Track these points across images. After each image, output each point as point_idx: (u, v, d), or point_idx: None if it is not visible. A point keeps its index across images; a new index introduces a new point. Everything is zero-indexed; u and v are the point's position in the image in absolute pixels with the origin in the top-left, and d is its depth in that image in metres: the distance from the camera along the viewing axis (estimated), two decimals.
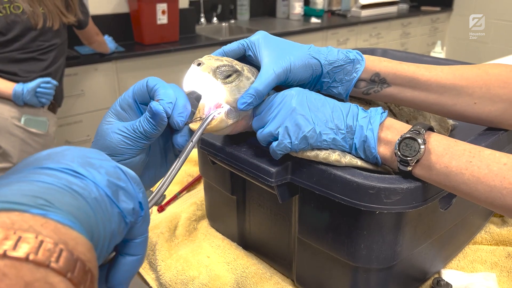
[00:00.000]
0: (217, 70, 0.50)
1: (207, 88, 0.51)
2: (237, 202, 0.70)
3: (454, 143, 0.47)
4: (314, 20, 3.37)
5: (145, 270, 0.75)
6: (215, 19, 3.25)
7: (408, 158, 0.47)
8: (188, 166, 1.00)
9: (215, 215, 0.78)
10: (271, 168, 0.53)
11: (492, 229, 0.76)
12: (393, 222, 0.52)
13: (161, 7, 2.49)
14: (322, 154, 0.50)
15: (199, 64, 0.50)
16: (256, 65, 0.56)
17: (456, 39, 4.27)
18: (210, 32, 3.07)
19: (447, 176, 0.46)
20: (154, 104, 0.44)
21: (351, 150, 0.51)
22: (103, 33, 2.37)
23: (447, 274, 0.67)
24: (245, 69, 0.53)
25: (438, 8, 4.11)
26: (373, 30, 3.66)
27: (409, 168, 0.48)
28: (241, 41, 0.57)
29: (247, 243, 0.73)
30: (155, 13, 2.48)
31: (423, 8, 4.16)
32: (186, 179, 0.95)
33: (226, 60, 0.52)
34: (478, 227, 0.76)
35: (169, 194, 0.90)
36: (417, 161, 0.47)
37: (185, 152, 0.46)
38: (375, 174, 0.50)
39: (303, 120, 0.49)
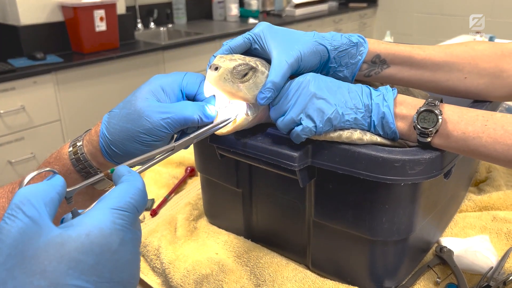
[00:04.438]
0: (234, 71, 0.51)
1: (226, 91, 0.51)
2: (242, 195, 0.70)
3: (466, 110, 0.51)
4: (251, 20, 3.42)
5: (148, 276, 0.72)
6: (152, 24, 3.19)
7: (428, 130, 0.50)
8: (171, 168, 0.98)
9: (216, 211, 0.77)
10: (293, 153, 0.53)
11: (473, 197, 0.82)
12: (411, 194, 0.55)
13: (99, 13, 2.40)
14: (345, 134, 0.52)
15: (216, 69, 0.50)
16: (263, 57, 0.57)
17: (383, 33, 4.52)
18: (149, 37, 3.00)
19: (465, 141, 0.49)
20: (211, 110, 0.52)
21: (370, 128, 0.53)
22: (37, 44, 2.25)
23: (445, 242, 0.72)
24: (258, 63, 0.53)
25: (364, 5, 4.33)
26: (308, 28, 3.77)
27: (429, 139, 0.51)
28: (245, 34, 0.57)
29: (254, 236, 0.73)
30: (93, 20, 2.39)
31: (351, 5, 4.36)
32: (172, 181, 0.93)
33: (239, 58, 0.52)
34: (463, 197, 0.82)
35: (157, 197, 0.88)
36: (436, 131, 0.50)
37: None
38: (397, 148, 0.52)
39: (325, 103, 0.51)
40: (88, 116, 2.37)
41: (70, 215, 0.37)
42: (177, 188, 0.91)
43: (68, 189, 0.38)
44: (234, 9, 3.53)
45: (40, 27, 2.39)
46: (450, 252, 0.68)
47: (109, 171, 0.41)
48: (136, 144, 0.50)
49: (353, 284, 0.62)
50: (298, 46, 0.54)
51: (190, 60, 2.81)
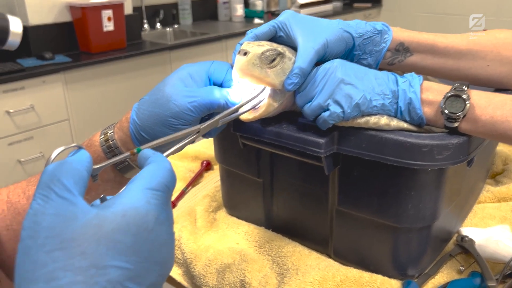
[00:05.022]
0: (262, 56, 0.51)
1: (254, 76, 0.52)
2: (263, 185, 0.70)
3: (493, 95, 0.51)
4: (257, 20, 3.43)
5: None
6: (158, 25, 3.19)
7: (456, 114, 0.50)
8: (186, 162, 0.98)
9: (235, 202, 0.78)
10: (319, 139, 0.54)
11: (491, 189, 0.82)
12: (437, 180, 0.56)
13: (107, 13, 2.41)
14: (372, 120, 0.52)
15: (245, 54, 0.51)
16: (288, 45, 0.57)
17: None
18: (155, 38, 3.01)
19: (494, 126, 0.49)
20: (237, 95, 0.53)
21: (396, 114, 0.53)
22: (46, 44, 2.26)
23: (466, 231, 0.71)
24: (286, 49, 0.54)
25: (369, 5, 4.33)
26: None
27: (456, 124, 0.51)
28: (271, 22, 0.58)
29: (275, 226, 0.73)
30: (101, 20, 2.40)
31: (356, 5, 4.36)
32: (188, 174, 0.94)
33: (267, 44, 0.53)
34: (481, 189, 0.82)
35: (175, 190, 0.88)
36: (464, 116, 0.50)
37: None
38: (424, 133, 0.52)
39: (352, 88, 0.51)
40: (96, 115, 2.37)
41: (98, 201, 0.37)
42: (194, 181, 0.91)
43: (94, 167, 0.38)
44: (239, 10, 3.53)
45: (49, 27, 2.39)
46: (471, 241, 0.68)
47: (135, 150, 0.41)
48: (164, 128, 0.50)
49: (376, 272, 0.62)
50: (324, 33, 0.54)
51: (197, 60, 2.79)
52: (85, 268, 0.29)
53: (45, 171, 0.32)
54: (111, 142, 0.52)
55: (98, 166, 0.40)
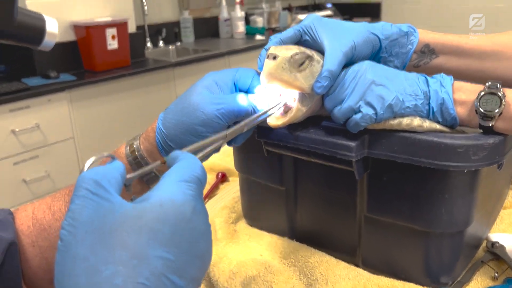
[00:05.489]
0: (291, 60, 0.50)
1: (283, 80, 0.51)
2: (286, 193, 0.69)
3: None
4: (258, 37, 3.45)
5: None
6: (161, 43, 3.21)
7: (493, 112, 0.49)
8: None
9: (256, 212, 0.76)
10: (350, 143, 0.52)
11: None
12: (471, 182, 0.54)
13: (111, 32, 2.42)
14: (405, 121, 0.51)
15: (274, 58, 0.50)
16: (315, 49, 0.56)
17: None
18: (159, 55, 3.03)
19: None
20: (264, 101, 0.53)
21: (428, 115, 0.52)
22: (50, 63, 2.26)
23: (496, 237, 0.70)
24: (313, 53, 0.53)
25: (368, 19, 4.36)
26: None
27: (492, 123, 0.49)
28: (296, 26, 0.57)
29: (299, 236, 0.71)
30: (105, 39, 2.41)
31: (355, 19, 4.40)
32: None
33: (295, 48, 0.52)
34: (506, 194, 0.80)
35: None
36: (499, 114, 0.49)
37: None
38: (458, 134, 0.51)
39: (384, 90, 0.50)
40: (101, 133, 2.37)
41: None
42: (210, 193, 0.90)
43: (127, 176, 0.38)
44: (240, 27, 3.56)
45: (53, 47, 2.40)
46: (502, 247, 0.66)
47: (165, 159, 0.41)
48: (192, 137, 0.49)
49: (407, 281, 0.60)
50: (350, 35, 0.54)
51: (200, 76, 2.74)
52: (127, 259, 0.28)
53: (79, 178, 0.32)
54: (137, 154, 0.51)
55: (131, 175, 0.39)
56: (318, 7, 4.32)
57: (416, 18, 4.14)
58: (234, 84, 0.53)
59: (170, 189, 0.32)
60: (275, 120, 0.53)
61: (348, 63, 0.54)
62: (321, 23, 0.56)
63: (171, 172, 0.34)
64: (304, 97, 0.52)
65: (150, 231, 0.29)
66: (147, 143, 0.52)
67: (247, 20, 3.76)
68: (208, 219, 0.34)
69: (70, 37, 2.46)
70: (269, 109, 0.52)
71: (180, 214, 0.31)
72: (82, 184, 0.31)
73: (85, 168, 0.35)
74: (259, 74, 0.54)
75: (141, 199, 0.32)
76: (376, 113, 0.50)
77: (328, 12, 3.99)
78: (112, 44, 2.45)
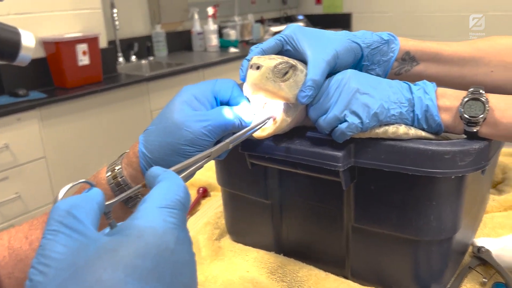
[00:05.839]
0: (275, 70, 0.49)
1: (268, 90, 0.49)
2: (272, 207, 0.67)
3: (510, 98, 0.50)
4: (232, 49, 3.45)
5: None
6: (133, 57, 3.17)
7: (477, 117, 0.49)
8: None
9: (241, 227, 0.74)
10: (337, 153, 0.51)
11: (496, 198, 0.81)
12: (458, 188, 0.54)
13: (81, 48, 2.37)
14: (391, 129, 0.50)
15: (258, 68, 0.49)
16: (297, 58, 0.55)
17: None
18: (131, 70, 2.98)
19: None
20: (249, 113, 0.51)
21: (413, 123, 0.52)
22: (19, 80, 2.20)
23: (481, 242, 0.70)
24: (296, 62, 0.52)
25: (340, 29, 4.43)
26: None
27: (477, 128, 0.49)
28: (277, 36, 0.56)
29: (286, 250, 0.69)
30: (76, 55, 2.35)
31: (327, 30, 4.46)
32: None
33: (278, 57, 0.51)
34: (487, 199, 0.81)
35: None
36: (484, 119, 0.49)
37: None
38: (443, 141, 0.51)
39: (369, 98, 0.49)
40: (73, 152, 2.30)
41: (108, 229, 0.34)
42: (192, 209, 0.87)
43: (106, 203, 0.35)
44: (214, 40, 3.55)
45: None
46: (488, 252, 0.66)
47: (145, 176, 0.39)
48: (179, 157, 0.47)
49: None
50: (332, 44, 0.53)
51: (175, 90, 2.77)
52: None
53: (53, 209, 0.30)
54: (120, 179, 0.48)
55: (110, 202, 0.37)
56: (290, 19, 4.36)
57: (386, 26, 4.22)
58: (214, 97, 0.51)
59: (150, 216, 0.30)
60: (259, 131, 0.51)
61: (331, 73, 0.54)
62: (302, 33, 0.55)
63: (150, 197, 0.32)
64: (288, 107, 0.51)
65: (127, 267, 0.27)
66: (131, 169, 0.49)
67: (220, 33, 3.76)
68: (192, 247, 0.32)
69: (40, 53, 2.40)
70: (256, 126, 0.50)
71: (162, 245, 0.28)
72: (55, 216, 0.29)
73: (59, 197, 0.33)
74: (238, 84, 0.53)
75: (119, 228, 0.30)
76: (362, 122, 0.49)
77: (301, 24, 4.03)
78: (83, 59, 2.39)
